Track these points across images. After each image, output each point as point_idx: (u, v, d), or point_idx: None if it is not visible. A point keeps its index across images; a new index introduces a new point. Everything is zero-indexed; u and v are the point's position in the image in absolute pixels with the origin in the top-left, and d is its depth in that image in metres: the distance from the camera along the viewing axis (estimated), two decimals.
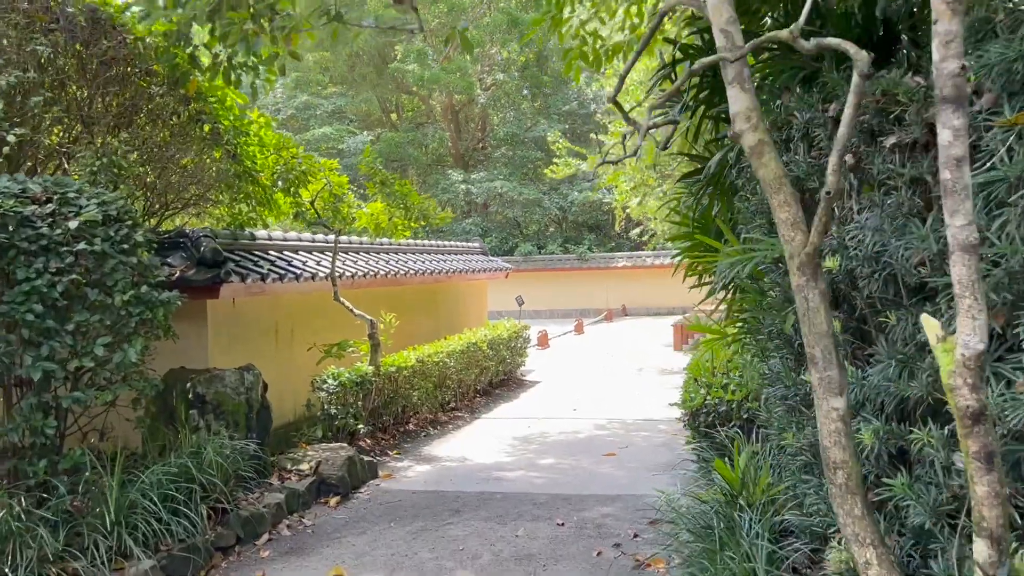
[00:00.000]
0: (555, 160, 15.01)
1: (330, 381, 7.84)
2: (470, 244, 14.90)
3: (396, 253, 11.59)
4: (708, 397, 6.28)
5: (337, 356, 8.45)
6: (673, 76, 5.91)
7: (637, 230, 18.55)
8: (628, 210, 19.26)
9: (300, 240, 9.29)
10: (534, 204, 30.89)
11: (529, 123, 32.52)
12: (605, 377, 13.68)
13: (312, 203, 8.04)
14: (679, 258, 6.54)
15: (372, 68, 34.85)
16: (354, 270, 9.29)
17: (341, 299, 8.40)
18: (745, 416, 6.04)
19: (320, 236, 9.87)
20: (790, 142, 3.74)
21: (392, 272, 10.21)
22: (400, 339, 10.20)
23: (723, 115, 5.29)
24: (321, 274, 8.51)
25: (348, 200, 8.12)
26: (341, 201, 8.02)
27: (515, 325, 13.17)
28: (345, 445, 7.55)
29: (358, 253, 10.46)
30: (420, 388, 9.36)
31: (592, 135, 14.37)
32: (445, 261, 12.65)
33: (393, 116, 36.63)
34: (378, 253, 11.03)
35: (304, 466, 7.10)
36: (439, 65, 32.47)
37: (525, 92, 33.68)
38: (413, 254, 12.11)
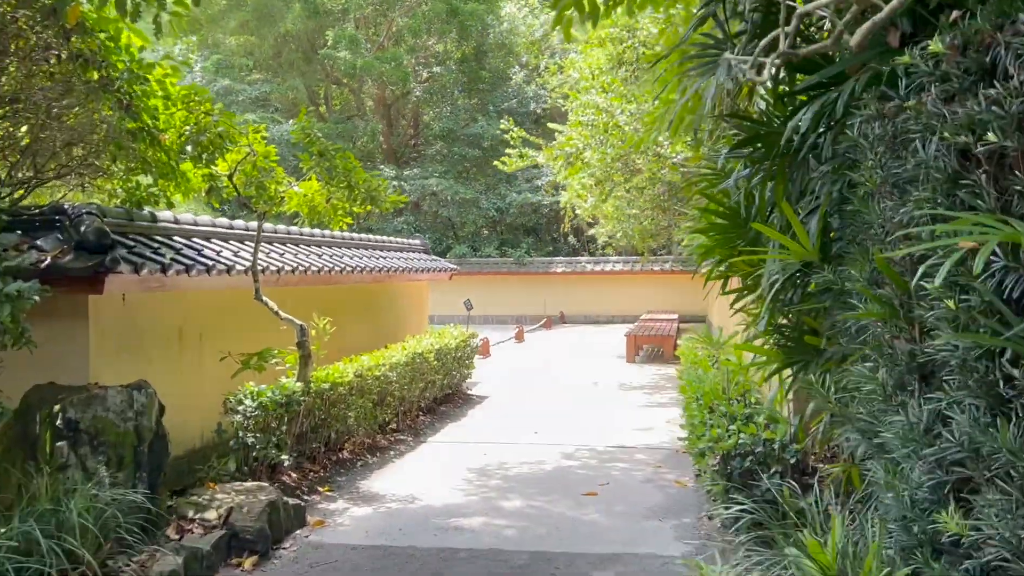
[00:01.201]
0: (507, 151, 13.60)
1: (247, 402, 6.23)
2: (411, 241, 13.37)
3: (331, 247, 9.98)
4: (742, 435, 4.94)
5: (257, 368, 6.84)
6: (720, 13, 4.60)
7: (598, 231, 17.25)
8: (579, 211, 18.05)
9: (215, 225, 7.63)
10: (470, 204, 29.41)
11: (466, 120, 31.04)
12: (560, 392, 12.32)
13: (231, 177, 6.42)
14: (705, 257, 5.22)
15: (300, 54, 32.86)
16: (281, 264, 7.68)
17: (264, 299, 6.80)
18: (792, 460, 4.73)
19: (241, 222, 8.21)
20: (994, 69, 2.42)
21: (327, 268, 8.62)
22: (334, 348, 8.60)
23: (803, 61, 3.99)
24: (240, 267, 6.89)
25: (277, 176, 6.53)
26: (268, 176, 6.44)
27: (462, 333, 11.70)
28: (265, 484, 5.95)
29: (286, 244, 8.82)
30: (358, 407, 7.81)
31: (549, 124, 12.99)
32: (386, 258, 11.08)
33: (322, 109, 34.60)
34: (309, 245, 9.40)
35: (211, 514, 5.49)
36: (372, 54, 30.73)
37: (459, 91, 32.18)
38: (350, 249, 10.51)
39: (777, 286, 4.36)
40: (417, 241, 13.56)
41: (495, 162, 13.10)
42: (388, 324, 11.65)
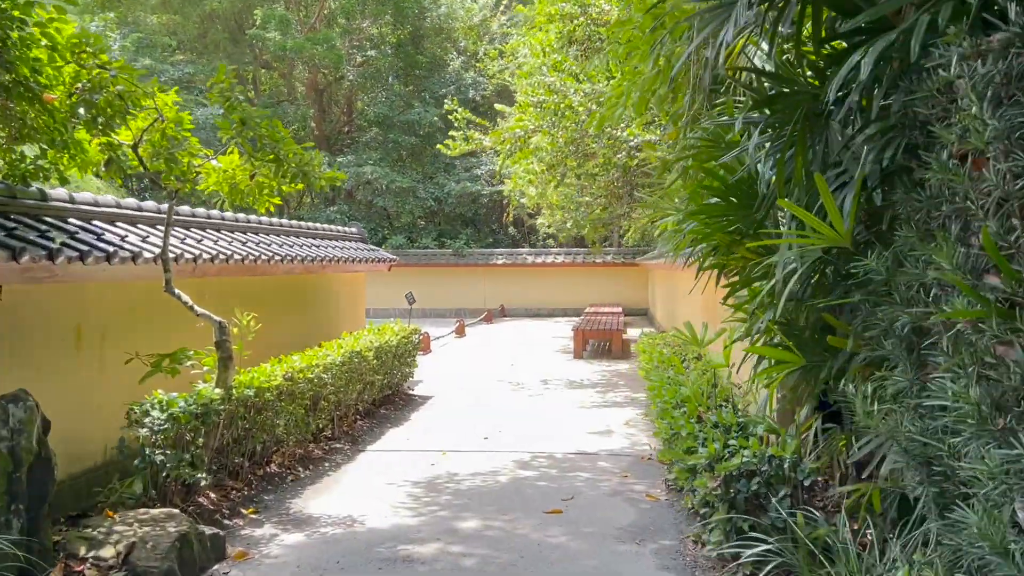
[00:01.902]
0: (451, 134, 12.71)
1: (155, 413, 5.26)
2: (347, 229, 12.39)
3: (258, 233, 8.97)
4: (744, 451, 4.21)
5: (170, 372, 5.87)
6: None
7: (541, 222, 16.52)
8: (524, 200, 17.31)
9: (121, 207, 6.59)
10: (407, 193, 28.37)
11: (402, 106, 29.93)
12: (508, 392, 11.54)
13: (135, 148, 5.42)
14: (700, 243, 4.49)
15: (227, 34, 31.30)
16: (198, 252, 6.69)
17: (175, 291, 5.82)
18: (806, 482, 4.04)
19: (152, 204, 7.18)
20: None
21: (253, 257, 7.64)
22: (261, 348, 7.65)
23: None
24: (148, 255, 5.90)
25: (191, 147, 5.55)
26: (180, 148, 5.45)
27: (404, 328, 10.81)
28: (175, 512, 5.01)
29: (205, 229, 7.80)
30: (288, 414, 6.88)
31: (496, 105, 12.17)
32: (320, 247, 10.11)
33: (250, 93, 32.99)
34: (233, 231, 8.39)
35: (107, 551, 4.54)
36: (303, 35, 29.36)
37: (395, 77, 31.01)
38: (280, 236, 9.51)
39: (795, 277, 3.66)
40: (354, 229, 12.59)
41: (438, 146, 12.22)
42: (322, 320, 10.69)
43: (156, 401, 5.35)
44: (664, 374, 7.00)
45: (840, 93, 3.16)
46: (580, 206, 12.96)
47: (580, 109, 10.72)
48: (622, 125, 10.39)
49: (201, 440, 5.67)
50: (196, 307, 5.84)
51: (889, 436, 3.28)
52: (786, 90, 3.48)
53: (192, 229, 7.53)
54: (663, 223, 8.16)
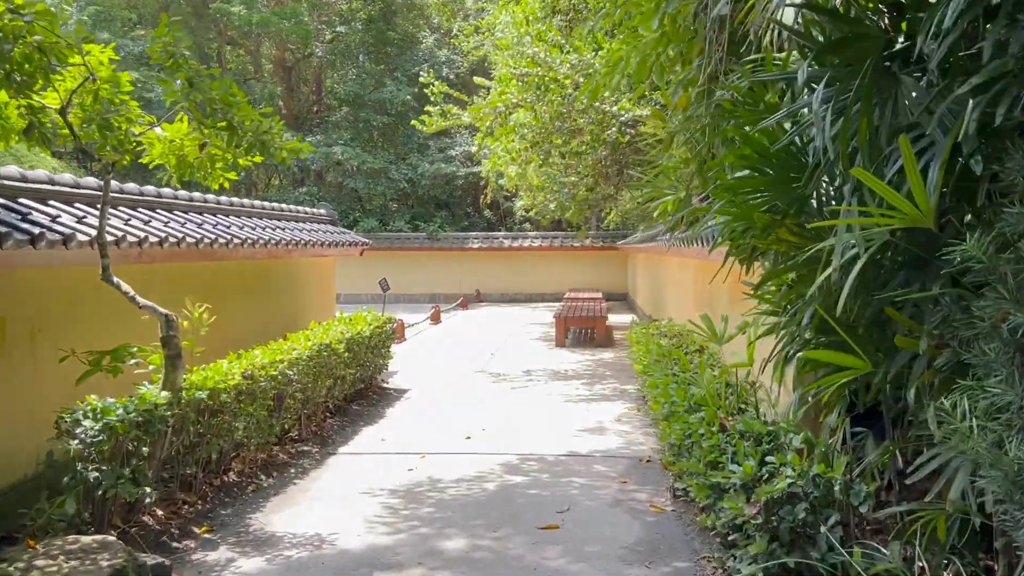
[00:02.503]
0: (427, 109, 11.92)
1: (87, 422, 4.50)
2: (316, 211, 11.58)
3: (215, 214, 8.16)
4: (790, 472, 3.54)
5: (111, 372, 5.12)
6: None
7: (519, 204, 15.79)
8: (502, 181, 16.56)
9: (54, 183, 5.78)
10: (379, 174, 27.47)
11: (372, 84, 28.93)
12: (489, 384, 10.86)
13: (63, 112, 4.62)
14: (735, 224, 3.82)
15: (190, 8, 30.00)
16: (142, 234, 5.90)
17: (114, 279, 5.05)
18: (863, 507, 3.40)
19: (93, 180, 6.36)
20: None
21: (208, 241, 6.86)
22: (219, 342, 6.90)
23: None
24: (83, 237, 5.11)
25: (130, 112, 4.76)
26: (116, 113, 4.66)
27: (377, 317, 10.06)
28: (111, 539, 4.27)
29: (154, 210, 7.00)
30: (248, 416, 6.14)
31: (475, 79, 11.35)
32: (285, 230, 9.32)
33: (216, 71, 31.77)
34: (186, 212, 7.59)
35: None
36: (269, 9, 28.26)
37: (366, 54, 29.97)
38: (240, 217, 8.70)
39: (859, 265, 3.00)
40: (323, 211, 11.78)
41: (413, 122, 11.44)
42: (289, 309, 9.91)
43: (89, 409, 4.59)
44: (666, 369, 6.36)
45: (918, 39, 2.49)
46: (564, 186, 12.27)
47: (566, 82, 10.00)
48: (612, 99, 9.69)
49: (146, 450, 4.92)
50: (139, 298, 5.07)
51: (974, 456, 2.65)
52: (852, 34, 2.81)
53: (139, 209, 6.72)
54: (662, 203, 7.51)
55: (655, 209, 15.20)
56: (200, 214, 7.76)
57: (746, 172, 3.75)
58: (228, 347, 7.13)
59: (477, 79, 11.30)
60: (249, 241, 7.63)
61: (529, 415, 8.78)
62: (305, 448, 7.31)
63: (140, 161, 5.34)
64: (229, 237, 7.24)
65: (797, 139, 3.41)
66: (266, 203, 9.93)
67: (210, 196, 8.32)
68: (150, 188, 7.21)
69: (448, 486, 6.24)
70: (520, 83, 10.61)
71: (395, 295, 26.84)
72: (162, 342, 5.14)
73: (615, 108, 9.72)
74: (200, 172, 5.30)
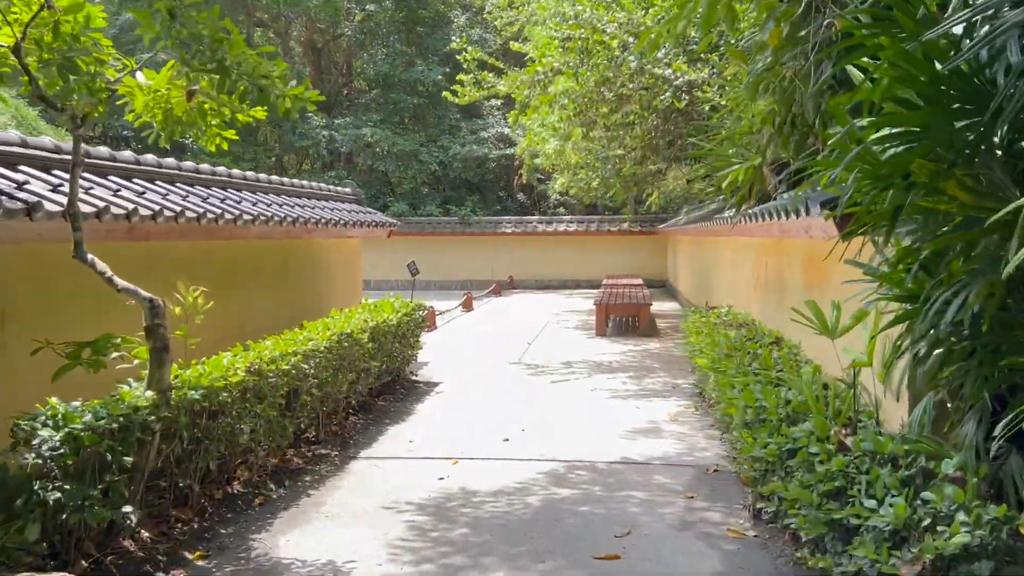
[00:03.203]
0: (460, 78, 10.99)
1: (45, 432, 3.67)
2: (340, 189, 10.74)
3: (225, 188, 7.33)
4: (965, 520, 2.57)
5: (91, 367, 4.30)
6: None
7: (553, 186, 14.82)
8: (538, 160, 15.63)
9: (27, 146, 4.97)
10: (409, 157, 26.63)
11: (403, 65, 28.05)
12: (527, 377, 9.96)
13: (17, 52, 3.78)
14: (860, 184, 2.86)
15: None
16: (130, 206, 5.06)
17: (89, 257, 4.22)
18: None
19: (89, 150, 5.55)
20: None
21: (212, 216, 6.02)
22: (231, 331, 6.10)
23: None
24: (52, 207, 4.29)
25: (101, 53, 3.90)
26: (84, 53, 3.81)
27: (406, 304, 9.21)
28: None
29: (152, 181, 6.17)
30: (255, 416, 5.30)
31: (513, 44, 10.33)
32: (303, 208, 8.48)
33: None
34: (192, 184, 6.76)
35: None
36: None
37: (396, 34, 29.04)
38: (254, 192, 7.87)
39: None
40: (348, 189, 10.94)
41: (445, 93, 10.53)
42: (309, 295, 9.08)
43: (49, 414, 3.76)
44: (742, 365, 5.40)
45: None
46: (608, 161, 11.28)
47: (613, 43, 9.02)
48: (665, 61, 8.70)
49: (129, 460, 4.10)
50: (117, 279, 4.24)
51: None
52: None
53: (135, 180, 5.90)
54: (730, 172, 6.54)
55: (704, 188, 14.20)
56: (207, 187, 6.94)
57: (889, 114, 2.79)
58: (242, 336, 6.32)
59: (514, 44, 10.34)
60: (261, 218, 6.79)
61: (573, 413, 7.87)
62: (323, 451, 6.47)
63: (125, 118, 4.50)
64: (237, 213, 6.39)
65: (981, 53, 2.44)
66: (284, 179, 9.09)
67: (220, 169, 7.50)
68: (149, 157, 6.39)
69: (484, 500, 5.36)
70: (562, 47, 9.65)
71: (425, 281, 26.08)
72: (146, 332, 4.31)
73: (668, 71, 8.72)
74: (193, 130, 4.44)
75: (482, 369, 10.46)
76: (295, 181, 9.22)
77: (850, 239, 4.07)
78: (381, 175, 28.03)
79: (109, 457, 3.97)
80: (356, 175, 28.13)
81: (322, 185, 10.16)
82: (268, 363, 5.49)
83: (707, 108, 9.05)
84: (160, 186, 6.12)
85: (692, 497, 5.36)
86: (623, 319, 14.73)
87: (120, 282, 4.23)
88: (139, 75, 4.23)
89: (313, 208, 8.74)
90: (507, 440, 6.86)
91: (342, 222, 8.83)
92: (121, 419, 3.93)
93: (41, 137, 5.28)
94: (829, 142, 3.18)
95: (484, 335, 13.98)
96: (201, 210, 5.82)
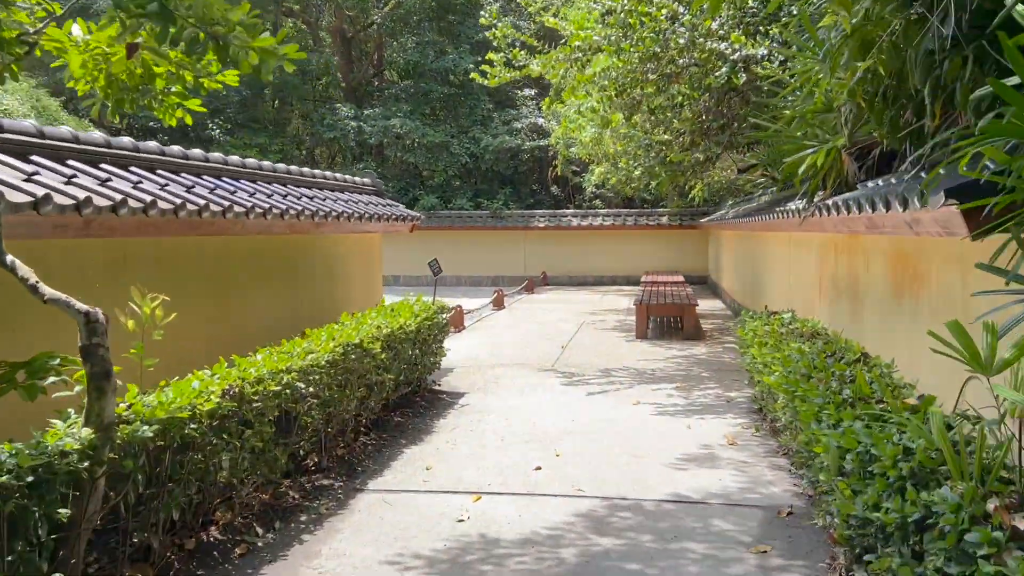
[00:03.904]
0: (490, 57, 10.02)
1: None
2: (358, 180, 9.85)
3: (217, 176, 6.45)
4: None
5: (27, 392, 3.43)
6: None
7: (589, 178, 13.81)
8: (573, 149, 14.65)
9: None
10: (440, 149, 25.74)
11: (434, 54, 27.15)
12: (561, 387, 9.00)
13: None
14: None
15: None
16: (82, 195, 4.19)
17: (8, 259, 3.35)
18: None
19: (60, 131, 4.72)
20: None
21: (193, 208, 5.13)
22: (219, 342, 5.24)
23: None
24: None
25: None
26: None
27: (427, 305, 8.30)
28: None
29: (126, 168, 5.31)
30: (237, 448, 4.42)
31: (548, 21, 9.29)
32: (314, 199, 7.60)
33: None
34: (175, 172, 5.90)
35: None
36: None
37: (427, 21, 28.09)
38: (252, 182, 7.00)
39: None
40: (367, 180, 10.06)
41: (473, 75, 9.60)
42: (319, 297, 8.21)
43: None
44: (826, 390, 4.35)
45: None
46: (652, 149, 10.23)
47: (660, 15, 7.99)
48: (719, 33, 7.65)
49: (66, 512, 3.23)
50: (43, 286, 3.36)
51: None
52: None
53: (102, 166, 5.04)
54: (806, 156, 5.51)
55: (752, 179, 13.00)
56: (197, 175, 6.07)
57: None
58: (240, 347, 5.46)
59: (550, 21, 9.34)
60: (257, 211, 5.90)
61: (613, 433, 6.90)
62: (325, 481, 5.57)
63: (69, 85, 3.61)
64: (226, 204, 5.51)
65: None
66: (293, 168, 8.23)
67: (215, 155, 6.64)
68: (125, 140, 5.53)
69: (509, 553, 4.42)
70: (601, 22, 8.64)
71: (456, 277, 25.24)
72: (82, 354, 3.43)
73: (724, 45, 7.67)
74: (146, 99, 3.54)
75: (512, 377, 9.52)
76: (306, 170, 8.35)
77: (984, 237, 3.08)
78: (411, 168, 27.21)
79: (35, 512, 3.09)
80: (386, 168, 27.36)
81: (339, 175, 9.28)
82: (254, 383, 4.60)
83: (766, 87, 7.99)
84: (135, 173, 5.26)
85: (765, 552, 4.37)
86: (665, 320, 13.71)
87: (47, 291, 3.35)
88: (75, 28, 3.33)
89: (324, 200, 7.86)
90: (538, 469, 5.91)
91: (357, 215, 7.93)
92: (40, 469, 3.04)
93: (22, 121, 4.43)
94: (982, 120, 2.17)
95: (515, 337, 13.03)
96: (178, 201, 4.94)
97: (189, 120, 3.70)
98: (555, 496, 5.31)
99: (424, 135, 25.24)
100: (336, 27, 29.36)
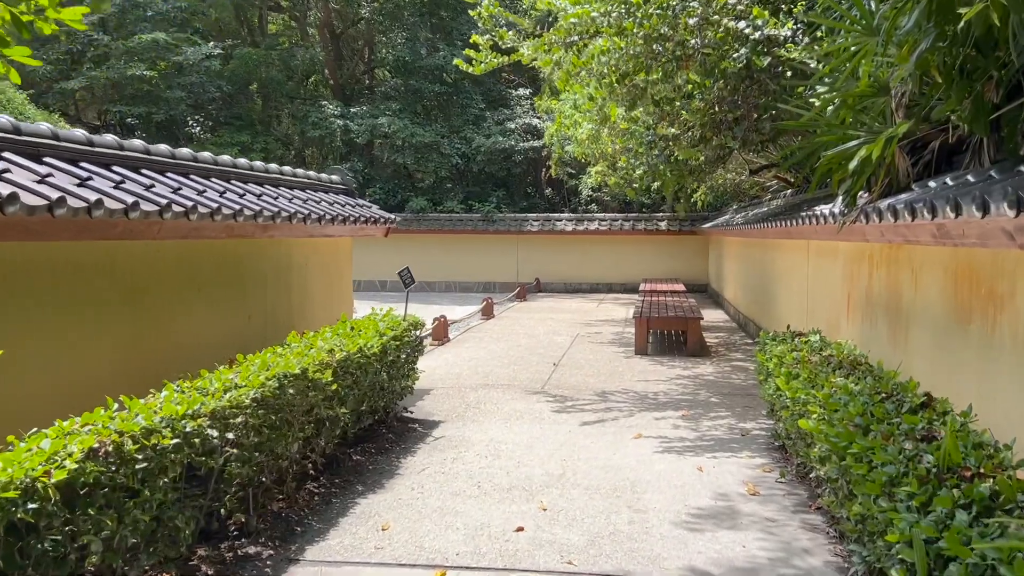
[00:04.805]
0: (475, 39, 8.90)
1: None
2: (324, 177, 8.75)
3: (134, 169, 5.32)
4: None
5: None
6: None
7: (586, 180, 12.73)
8: (569, 148, 13.59)
9: None
10: (430, 149, 24.63)
11: (426, 52, 26.05)
12: (551, 415, 7.90)
13: None
14: None
15: None
16: None
17: None
18: None
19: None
20: None
21: (84, 206, 4.02)
22: (128, 372, 4.14)
23: None
24: None
25: None
26: None
27: (396, 321, 7.18)
28: None
29: (39, 159, 4.20)
30: (114, 523, 3.31)
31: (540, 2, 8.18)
32: (260, 196, 6.49)
33: (256, 38, 29.32)
34: (100, 164, 4.79)
35: None
36: None
37: (418, 16, 26.96)
38: (184, 176, 5.88)
39: None
40: (335, 177, 8.95)
41: (456, 60, 8.51)
42: (270, 313, 7.10)
43: None
44: (897, 454, 3.24)
45: None
46: (656, 144, 9.13)
47: None
48: (740, 8, 6.58)
49: None
50: None
51: None
52: None
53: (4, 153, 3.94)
54: (851, 150, 4.45)
55: (761, 182, 11.80)
56: (104, 167, 4.96)
57: None
58: (166, 377, 4.35)
59: (543, 1, 8.23)
60: (176, 210, 4.79)
61: (612, 479, 5.80)
62: (251, 549, 4.46)
63: None
64: (129, 202, 4.39)
65: None
66: (241, 160, 7.13)
67: (136, 143, 5.53)
68: (45, 126, 4.42)
69: None
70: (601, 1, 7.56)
71: (445, 283, 24.16)
72: None
73: (743, 24, 6.59)
74: None
75: (496, 402, 8.41)
76: (257, 164, 7.25)
77: None
78: (401, 169, 26.10)
79: None
80: (376, 168, 26.26)
81: (301, 172, 8.18)
82: (144, 435, 3.49)
83: (789, 73, 6.92)
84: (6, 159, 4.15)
85: None
86: (667, 334, 12.63)
87: None
88: None
89: (277, 199, 6.76)
90: (520, 530, 4.80)
91: (316, 217, 6.82)
92: None
93: None
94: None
95: (503, 351, 11.92)
96: (55, 196, 3.83)
97: (16, 78, 2.60)
98: (539, 573, 4.21)
99: (413, 134, 24.13)
100: (324, 22, 28.25)
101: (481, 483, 5.66)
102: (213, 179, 6.19)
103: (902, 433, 3.60)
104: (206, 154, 6.41)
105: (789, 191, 10.94)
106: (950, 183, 4.14)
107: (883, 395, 4.21)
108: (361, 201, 9.10)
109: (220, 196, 5.74)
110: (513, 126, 25.02)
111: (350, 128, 24.63)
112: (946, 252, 4.87)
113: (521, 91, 26.64)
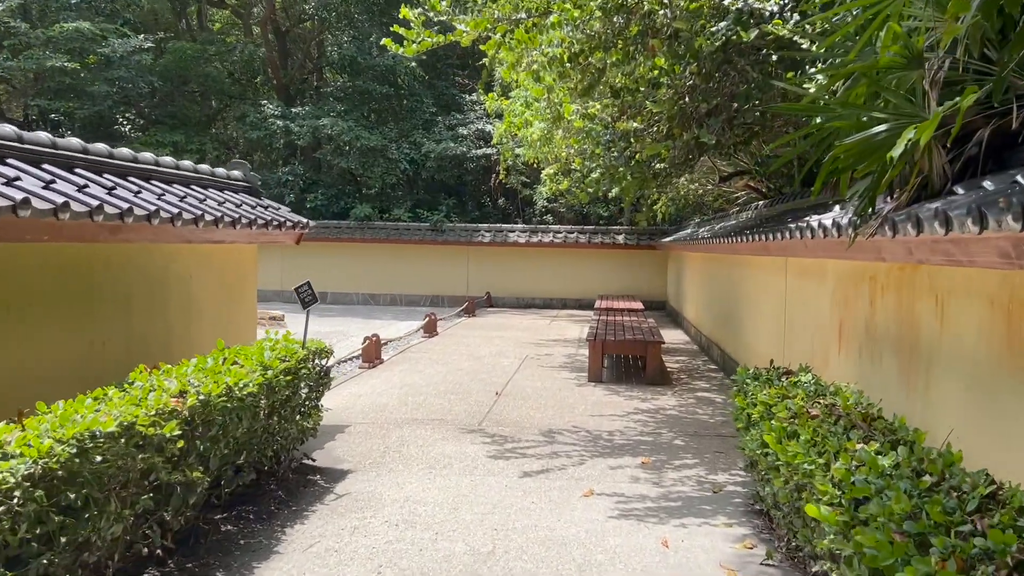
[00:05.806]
0: (405, 14, 7.63)
1: None
2: (221, 172, 7.36)
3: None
4: None
5: None
6: None
7: (540, 189, 11.52)
8: (520, 152, 12.38)
9: None
10: (377, 153, 23.23)
11: (377, 52, 24.68)
12: (487, 463, 6.58)
13: None
14: None
15: None
16: None
17: None
18: None
19: None
20: None
21: None
22: None
23: None
24: None
25: None
26: None
27: (289, 350, 5.79)
28: None
29: None
30: None
31: None
32: (111, 191, 5.10)
33: (194, 27, 27.64)
34: None
35: None
36: None
37: (364, 16, 25.61)
38: (34, 166, 4.49)
39: None
40: (236, 172, 7.57)
41: (385, 40, 7.24)
42: (136, 337, 5.69)
43: None
44: None
45: None
46: (616, 143, 7.90)
47: None
48: None
49: None
50: None
51: None
52: None
53: None
54: (876, 139, 3.26)
55: (728, 192, 10.59)
56: None
57: None
58: None
59: None
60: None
61: (554, 562, 4.50)
62: None
63: None
64: None
65: None
66: (117, 150, 5.74)
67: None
68: None
69: None
70: None
71: (391, 296, 22.80)
72: None
73: None
74: None
75: (422, 443, 7.08)
76: (125, 151, 5.85)
77: None
78: (347, 174, 24.64)
79: None
80: (320, 173, 24.76)
81: (188, 164, 6.78)
82: None
83: (774, 56, 5.76)
84: None
85: None
86: (624, 358, 11.44)
87: None
88: None
89: (137, 194, 5.36)
90: None
91: (190, 218, 5.44)
92: None
93: None
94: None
95: (440, 376, 10.58)
96: None
97: None
98: None
99: (358, 137, 22.72)
100: (268, 18, 26.73)
101: (383, 569, 4.32)
102: (45, 166, 4.78)
103: (981, 552, 2.38)
104: (42, 134, 5.00)
105: (761, 202, 9.83)
106: (1023, 181, 2.96)
107: (930, 476, 3.00)
108: (268, 202, 7.72)
109: (44, 188, 4.35)
110: (466, 132, 23.77)
111: (291, 129, 23.14)
112: (994, 278, 3.70)
113: (475, 96, 25.45)
